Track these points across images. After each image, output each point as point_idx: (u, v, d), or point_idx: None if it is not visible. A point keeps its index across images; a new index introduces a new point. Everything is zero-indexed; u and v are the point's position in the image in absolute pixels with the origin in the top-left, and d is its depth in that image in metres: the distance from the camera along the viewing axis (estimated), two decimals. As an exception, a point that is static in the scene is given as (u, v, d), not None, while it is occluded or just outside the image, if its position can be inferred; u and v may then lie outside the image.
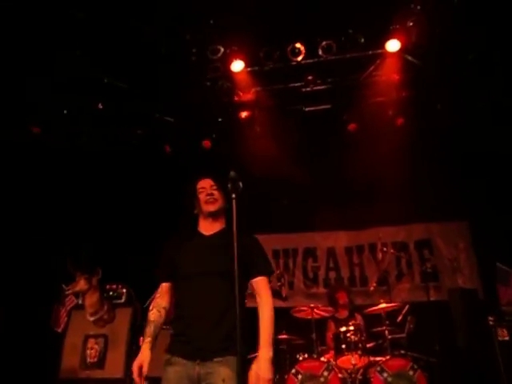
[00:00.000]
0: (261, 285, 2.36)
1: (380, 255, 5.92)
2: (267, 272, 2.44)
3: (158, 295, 2.50)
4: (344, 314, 5.42)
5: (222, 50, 5.28)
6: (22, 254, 5.57)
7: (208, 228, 2.48)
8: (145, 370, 2.24)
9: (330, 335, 5.11)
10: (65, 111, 5.60)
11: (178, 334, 2.32)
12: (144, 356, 2.27)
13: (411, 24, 4.83)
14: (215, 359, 2.18)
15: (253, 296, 2.42)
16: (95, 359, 4.68)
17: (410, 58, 5.33)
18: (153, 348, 2.33)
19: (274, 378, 2.22)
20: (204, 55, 5.31)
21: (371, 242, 6.53)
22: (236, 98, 5.99)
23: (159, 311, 2.42)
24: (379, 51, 5.29)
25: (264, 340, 2.22)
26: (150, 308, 2.47)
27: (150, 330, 2.35)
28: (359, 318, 5.27)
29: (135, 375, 2.24)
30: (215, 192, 2.47)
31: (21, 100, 5.37)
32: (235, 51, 5.34)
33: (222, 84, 5.72)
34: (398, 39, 5.06)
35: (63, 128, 5.84)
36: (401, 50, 5.18)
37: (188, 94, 5.79)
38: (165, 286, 2.49)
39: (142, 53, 5.24)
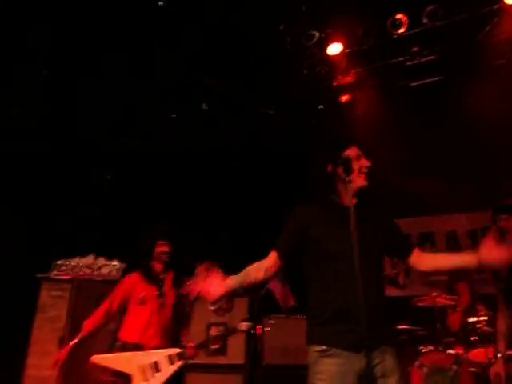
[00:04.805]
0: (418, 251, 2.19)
1: (513, 236, 5.25)
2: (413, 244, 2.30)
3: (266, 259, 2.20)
4: (464, 305, 4.93)
5: (317, 34, 5.17)
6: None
7: (349, 201, 2.04)
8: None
9: (452, 326, 4.70)
10: (173, 115, 5.96)
11: (331, 322, 2.02)
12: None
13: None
14: (378, 349, 1.97)
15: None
16: (218, 346, 4.95)
17: (535, 8, 4.63)
18: (236, 284, 2.20)
19: None
20: (299, 43, 5.25)
21: (500, 223, 5.85)
22: (335, 83, 5.82)
23: (259, 266, 2.17)
24: (495, 7, 4.69)
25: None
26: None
27: (240, 272, 2.21)
28: (482, 310, 4.73)
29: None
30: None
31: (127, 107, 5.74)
32: (331, 34, 5.19)
33: (320, 69, 5.60)
34: (519, -12, 4.43)
35: (172, 132, 6.20)
36: (524, 0, 4.53)
37: (286, 84, 5.79)
38: (277, 256, 2.16)
39: (239, 49, 5.36)
